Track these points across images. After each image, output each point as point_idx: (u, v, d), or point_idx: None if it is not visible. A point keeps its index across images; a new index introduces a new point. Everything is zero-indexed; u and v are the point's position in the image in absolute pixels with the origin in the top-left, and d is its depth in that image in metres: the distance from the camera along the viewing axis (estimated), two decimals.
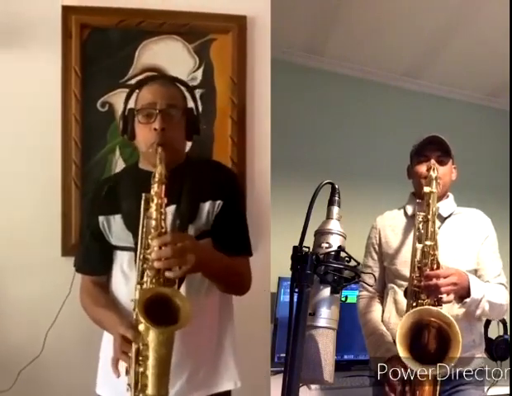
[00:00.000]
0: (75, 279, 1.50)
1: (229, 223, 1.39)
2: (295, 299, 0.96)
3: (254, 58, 1.85)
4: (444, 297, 1.51)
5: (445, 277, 1.52)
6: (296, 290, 0.96)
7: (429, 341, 1.47)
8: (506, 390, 1.88)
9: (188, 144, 1.68)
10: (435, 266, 1.55)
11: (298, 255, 0.97)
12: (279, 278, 2.37)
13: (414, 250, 1.59)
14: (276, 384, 1.36)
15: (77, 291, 1.49)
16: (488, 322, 1.94)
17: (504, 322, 2.01)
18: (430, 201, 1.60)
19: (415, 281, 1.56)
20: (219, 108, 1.84)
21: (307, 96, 2.77)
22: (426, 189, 1.62)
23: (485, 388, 1.70)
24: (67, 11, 1.79)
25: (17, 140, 1.78)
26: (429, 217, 1.59)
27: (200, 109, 1.78)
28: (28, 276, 1.75)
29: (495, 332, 1.99)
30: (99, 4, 1.80)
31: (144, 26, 1.83)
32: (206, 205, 1.37)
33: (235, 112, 1.83)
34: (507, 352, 1.94)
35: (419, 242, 1.59)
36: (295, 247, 0.98)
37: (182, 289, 1.30)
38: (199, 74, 1.85)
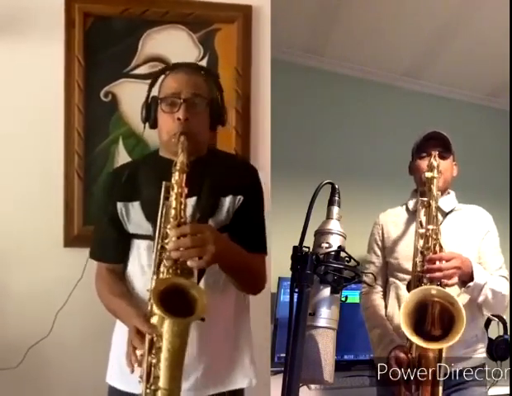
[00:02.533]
0: (88, 264, 1.47)
1: (248, 219, 1.37)
2: (295, 299, 0.96)
3: (258, 49, 1.83)
4: (449, 281, 1.51)
5: (448, 260, 1.52)
6: (296, 290, 0.96)
7: (433, 319, 1.46)
8: (506, 390, 1.88)
9: None
10: (438, 250, 1.55)
11: (298, 255, 0.97)
12: (279, 278, 2.37)
13: (417, 235, 1.59)
14: (276, 384, 1.35)
15: (87, 277, 1.47)
16: (488, 322, 1.94)
17: (504, 321, 2.00)
18: (432, 186, 1.60)
19: (419, 266, 1.56)
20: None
21: (307, 96, 2.77)
22: (428, 174, 1.62)
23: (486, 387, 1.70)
24: None
25: (20, 130, 1.77)
26: (431, 202, 1.59)
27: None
28: (31, 267, 1.75)
29: (495, 332, 1.98)
30: None
31: (148, 15, 1.80)
32: (227, 200, 1.35)
33: (240, 103, 1.82)
34: (507, 352, 1.93)
35: (421, 227, 1.59)
36: (295, 247, 0.98)
37: (202, 283, 1.28)
38: (203, 64, 1.83)
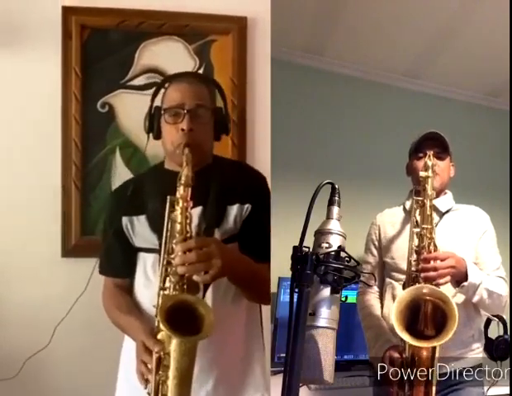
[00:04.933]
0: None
1: (257, 228, 1.35)
2: (295, 299, 0.96)
3: (255, 59, 1.85)
4: (441, 280, 1.51)
5: (442, 260, 1.52)
6: (296, 290, 0.96)
7: (426, 318, 1.46)
8: (506, 390, 1.88)
9: None
10: (432, 249, 1.55)
11: (298, 255, 0.97)
12: (279, 278, 2.36)
13: (412, 235, 1.59)
14: (276, 384, 1.35)
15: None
16: (488, 322, 1.94)
17: (504, 321, 2.00)
18: (427, 186, 1.60)
19: (413, 265, 1.56)
20: None
21: (307, 96, 2.77)
22: (422, 173, 1.62)
23: (485, 388, 1.70)
24: (67, 11, 1.79)
25: (17, 141, 1.78)
26: (426, 201, 1.59)
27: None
28: (29, 277, 1.75)
29: (495, 332, 1.98)
30: (99, 5, 1.80)
31: (144, 27, 1.83)
32: (234, 209, 1.34)
33: (235, 113, 1.83)
34: (507, 352, 1.93)
35: (416, 227, 1.59)
36: (295, 247, 0.98)
37: (208, 296, 1.27)
38: None
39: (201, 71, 1.85)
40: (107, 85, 1.83)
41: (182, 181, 1.20)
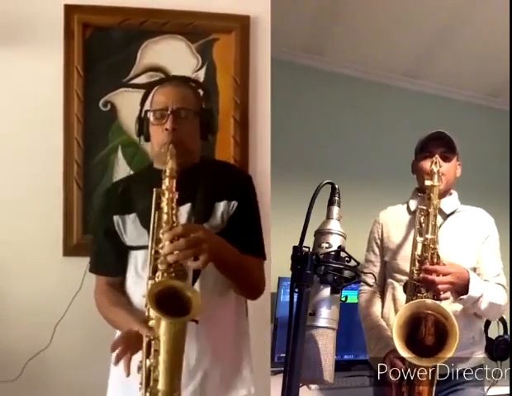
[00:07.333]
0: (86, 275, 1.49)
1: (243, 223, 1.38)
2: (295, 299, 0.96)
3: (257, 58, 1.85)
4: (441, 294, 1.51)
5: (444, 275, 1.52)
6: (296, 290, 0.96)
7: (426, 333, 1.47)
8: (506, 390, 1.88)
9: None
10: (435, 260, 1.55)
11: (298, 255, 0.97)
12: (279, 278, 2.37)
13: (415, 243, 1.59)
14: (276, 384, 1.35)
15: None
16: (488, 322, 1.94)
17: (504, 321, 2.01)
18: (432, 195, 1.60)
19: (415, 275, 1.56)
20: (221, 108, 1.84)
21: (307, 96, 2.77)
22: (428, 182, 1.62)
23: (485, 388, 1.70)
24: (69, 10, 1.78)
25: (19, 140, 1.78)
26: (430, 211, 1.59)
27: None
28: (30, 276, 1.75)
29: (495, 332, 1.99)
30: (101, 3, 1.79)
31: (146, 26, 1.82)
32: (221, 205, 1.37)
33: (238, 112, 1.83)
34: (507, 352, 1.94)
35: (420, 236, 1.59)
36: (295, 247, 0.98)
37: (197, 288, 1.28)
38: (201, 74, 1.85)
39: (203, 70, 1.85)
40: (109, 84, 1.82)
41: (167, 174, 1.24)
